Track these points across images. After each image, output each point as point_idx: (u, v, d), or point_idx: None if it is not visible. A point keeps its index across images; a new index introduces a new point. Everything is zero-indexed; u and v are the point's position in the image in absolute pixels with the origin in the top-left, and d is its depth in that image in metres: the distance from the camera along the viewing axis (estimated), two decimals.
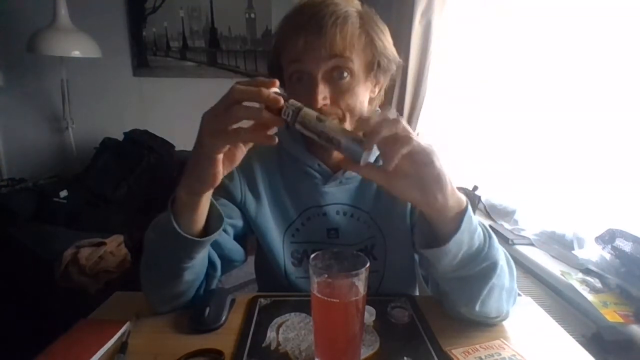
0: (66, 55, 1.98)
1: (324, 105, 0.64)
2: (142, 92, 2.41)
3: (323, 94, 0.64)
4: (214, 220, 0.60)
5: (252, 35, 2.41)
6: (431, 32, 1.46)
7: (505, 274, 0.59)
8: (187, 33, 2.37)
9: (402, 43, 1.47)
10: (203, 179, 0.52)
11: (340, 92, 0.65)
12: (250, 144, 0.53)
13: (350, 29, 0.64)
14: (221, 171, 0.52)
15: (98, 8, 2.23)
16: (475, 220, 0.54)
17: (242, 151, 0.54)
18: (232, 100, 0.47)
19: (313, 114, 0.49)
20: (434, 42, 1.47)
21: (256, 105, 0.48)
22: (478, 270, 0.55)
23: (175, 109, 2.45)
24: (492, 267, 0.55)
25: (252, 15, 2.39)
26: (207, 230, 0.59)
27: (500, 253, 0.57)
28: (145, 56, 2.37)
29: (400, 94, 1.59)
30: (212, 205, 0.60)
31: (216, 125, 0.48)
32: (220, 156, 0.51)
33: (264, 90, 0.47)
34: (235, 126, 0.48)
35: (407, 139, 0.46)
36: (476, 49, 1.47)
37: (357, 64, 0.65)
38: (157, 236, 0.60)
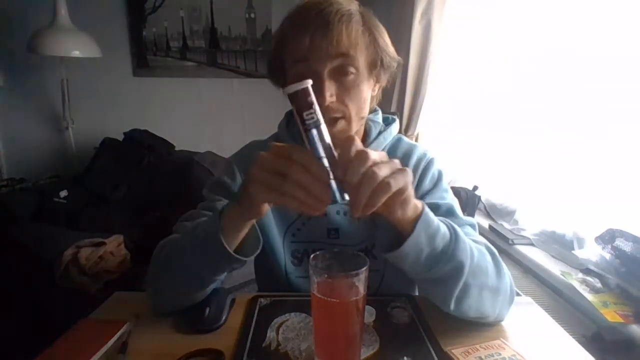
0: (66, 55, 1.97)
1: (331, 102, 0.65)
2: (142, 92, 2.41)
3: (330, 91, 0.64)
4: (252, 239, 0.61)
5: (252, 35, 2.41)
6: (431, 32, 1.46)
7: (487, 271, 0.59)
8: (187, 33, 2.37)
9: (402, 43, 1.47)
10: (248, 214, 0.55)
11: (345, 89, 0.66)
12: None
13: (354, 26, 0.64)
14: (266, 208, 0.54)
15: (98, 8, 2.23)
16: (437, 223, 0.54)
17: None
18: (286, 163, 0.46)
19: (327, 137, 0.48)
20: (434, 42, 1.47)
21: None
22: (446, 271, 0.55)
23: (175, 109, 2.45)
24: (460, 268, 0.55)
25: (252, 15, 2.39)
26: (241, 248, 0.60)
27: (467, 253, 0.56)
28: (145, 56, 2.37)
29: (400, 94, 1.59)
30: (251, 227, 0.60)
31: (268, 181, 0.48)
32: (265, 204, 0.53)
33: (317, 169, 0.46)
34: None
35: (386, 187, 0.45)
36: (476, 49, 1.47)
37: (361, 61, 0.66)
38: (195, 245, 0.59)
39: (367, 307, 0.60)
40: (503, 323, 0.64)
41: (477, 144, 1.53)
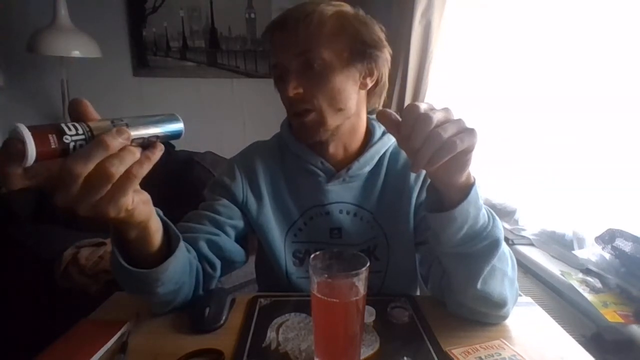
0: (66, 55, 1.97)
1: (296, 94, 0.66)
2: (142, 92, 2.41)
3: (294, 83, 0.66)
4: (172, 232, 0.57)
5: (252, 35, 2.41)
6: (431, 32, 1.46)
7: (508, 261, 0.60)
8: (187, 33, 2.37)
9: (402, 43, 1.47)
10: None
11: (312, 81, 0.67)
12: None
13: (317, 19, 0.65)
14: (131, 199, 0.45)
15: (98, 8, 2.23)
16: (480, 201, 0.56)
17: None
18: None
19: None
20: (434, 42, 1.47)
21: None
22: (480, 248, 0.56)
23: (175, 109, 2.42)
24: (495, 246, 0.56)
25: (252, 15, 2.39)
26: (169, 243, 0.56)
27: (502, 234, 0.58)
28: (145, 56, 2.37)
29: (400, 94, 1.58)
30: (165, 223, 0.56)
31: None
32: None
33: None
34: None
35: (452, 146, 0.45)
36: (476, 49, 1.47)
37: (328, 53, 0.66)
38: (115, 273, 0.57)
39: (367, 307, 0.60)
40: (503, 323, 0.64)
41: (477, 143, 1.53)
